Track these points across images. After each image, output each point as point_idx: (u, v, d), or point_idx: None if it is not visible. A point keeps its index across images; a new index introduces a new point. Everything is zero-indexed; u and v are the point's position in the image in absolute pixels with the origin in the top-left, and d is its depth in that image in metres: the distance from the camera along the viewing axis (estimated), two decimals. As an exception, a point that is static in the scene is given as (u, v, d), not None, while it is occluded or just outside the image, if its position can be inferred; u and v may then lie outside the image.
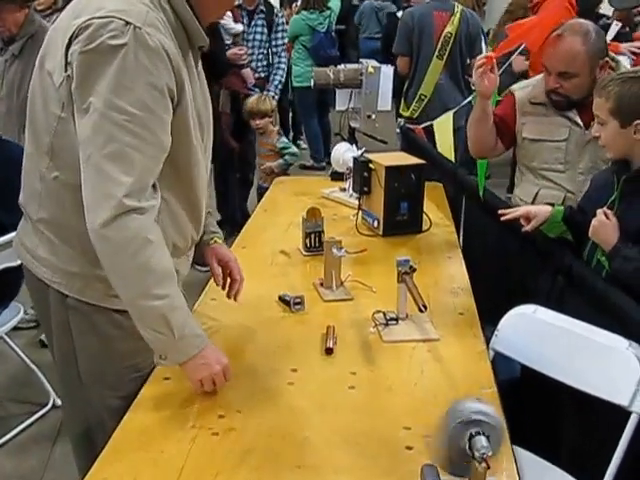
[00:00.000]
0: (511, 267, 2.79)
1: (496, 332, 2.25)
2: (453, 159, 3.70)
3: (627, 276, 2.17)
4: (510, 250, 2.82)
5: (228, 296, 2.10)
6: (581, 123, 2.68)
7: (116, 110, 1.49)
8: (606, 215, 2.21)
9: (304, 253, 2.71)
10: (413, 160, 2.92)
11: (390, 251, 2.76)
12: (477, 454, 1.29)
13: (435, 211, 3.16)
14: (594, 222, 2.22)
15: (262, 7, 5.05)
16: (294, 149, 4.64)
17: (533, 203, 2.82)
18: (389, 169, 2.80)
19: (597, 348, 2.05)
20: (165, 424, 1.62)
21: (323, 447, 1.56)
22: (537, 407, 2.36)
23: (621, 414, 1.95)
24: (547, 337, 2.15)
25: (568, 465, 2.10)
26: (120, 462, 1.49)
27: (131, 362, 1.80)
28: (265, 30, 5.06)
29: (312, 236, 2.70)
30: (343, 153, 3.27)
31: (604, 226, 2.20)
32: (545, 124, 2.76)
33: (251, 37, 5.05)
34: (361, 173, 2.90)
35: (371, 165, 2.87)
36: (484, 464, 1.30)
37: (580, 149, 2.69)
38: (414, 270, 2.12)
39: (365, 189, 2.91)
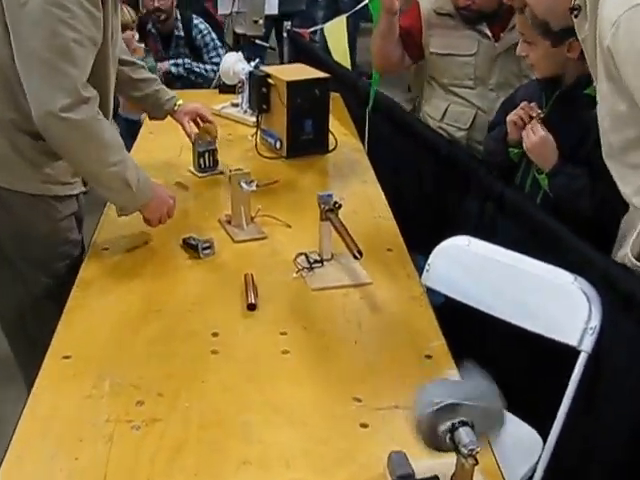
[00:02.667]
0: (429, 191, 2.62)
1: (427, 267, 2.08)
2: (349, 66, 3.47)
3: (570, 195, 2.04)
4: (426, 171, 2.65)
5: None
6: (490, 35, 2.55)
7: (57, 7, 1.65)
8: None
9: (199, 175, 2.48)
10: (316, 73, 2.67)
11: (297, 176, 2.54)
12: (464, 450, 1.11)
13: (338, 127, 2.92)
14: (534, 138, 2.05)
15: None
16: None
17: (442, 120, 2.67)
18: (291, 84, 2.53)
19: (541, 284, 1.91)
20: (74, 420, 1.36)
21: (268, 434, 1.35)
22: (466, 342, 2.24)
23: (561, 350, 1.85)
24: (484, 272, 2.00)
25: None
26: (24, 481, 1.23)
27: (51, 240, 1.99)
28: None
29: (206, 155, 2.47)
30: (234, 64, 2.96)
31: (545, 143, 2.04)
32: (453, 37, 2.63)
33: None
34: (258, 89, 2.62)
35: (270, 80, 2.60)
36: (472, 460, 1.13)
37: (490, 63, 2.57)
38: (339, 207, 1.91)
39: (264, 107, 2.64)
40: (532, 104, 2.09)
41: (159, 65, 4.13)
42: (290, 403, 1.44)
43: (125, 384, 1.46)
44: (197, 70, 4.21)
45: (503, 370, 2.06)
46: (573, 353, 1.84)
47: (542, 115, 2.07)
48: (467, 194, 2.37)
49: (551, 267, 1.91)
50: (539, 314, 1.91)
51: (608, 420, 1.89)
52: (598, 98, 1.69)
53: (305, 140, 2.65)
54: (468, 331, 2.04)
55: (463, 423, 1.13)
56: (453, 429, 1.13)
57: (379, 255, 2.02)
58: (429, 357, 1.61)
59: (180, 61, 4.24)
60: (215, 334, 1.64)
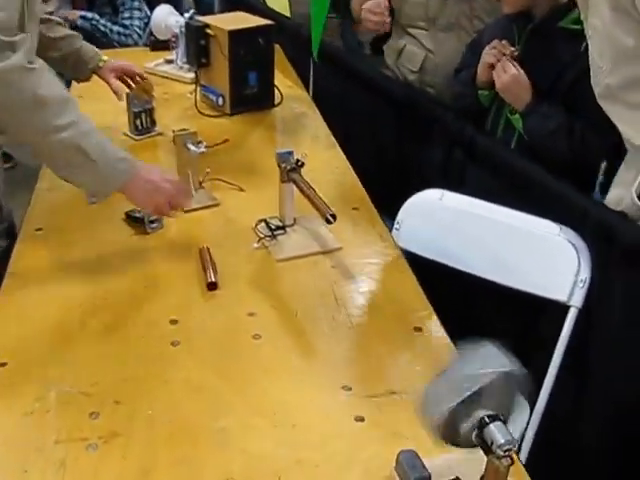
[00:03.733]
0: (387, 142, 2.37)
1: (396, 225, 1.86)
2: (288, 14, 3.18)
3: (544, 136, 1.83)
4: (382, 118, 2.40)
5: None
6: None
7: None
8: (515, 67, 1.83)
9: (136, 138, 2.21)
10: (258, 21, 2.38)
11: (243, 134, 2.28)
12: (499, 451, 0.89)
13: (282, 79, 2.65)
14: (505, 76, 1.82)
15: None
16: None
17: (398, 59, 2.44)
18: (233, 34, 2.25)
19: (524, 237, 1.72)
20: (15, 445, 1.09)
21: (251, 441, 1.11)
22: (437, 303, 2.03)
23: (548, 305, 1.66)
24: (461, 228, 1.79)
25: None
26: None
27: None
28: None
29: (142, 115, 2.21)
30: (166, 17, 2.65)
31: (517, 81, 1.82)
32: None
33: None
34: (196, 41, 2.32)
35: (208, 30, 2.30)
36: (506, 460, 0.91)
37: (441, 3, 2.33)
38: (302, 165, 1.66)
39: (203, 60, 2.35)
40: (503, 42, 1.86)
41: (69, 14, 3.68)
42: (271, 400, 1.20)
43: (74, 392, 1.19)
44: (102, 29, 3.77)
45: (483, 330, 1.87)
46: (562, 307, 1.65)
47: (516, 52, 1.84)
48: (430, 143, 2.13)
49: (534, 218, 1.71)
50: (523, 270, 1.71)
51: (599, 380, 1.71)
52: (590, 34, 1.46)
53: (249, 95, 2.39)
54: (438, 291, 1.83)
55: (493, 418, 0.91)
56: (481, 425, 0.91)
57: (345, 215, 1.77)
58: (419, 329, 1.39)
59: (89, 15, 3.81)
60: (173, 321, 1.39)
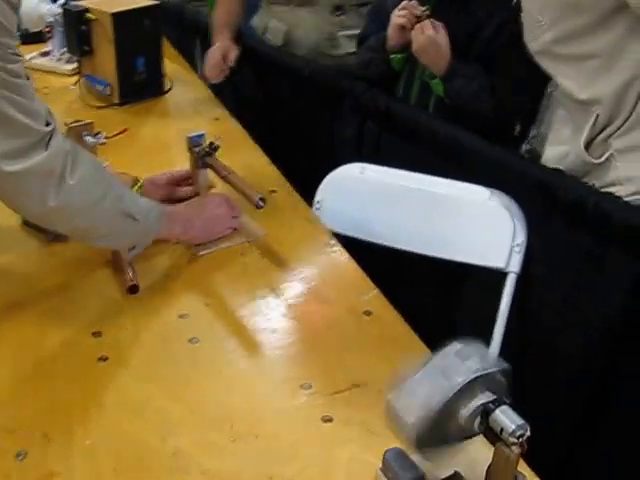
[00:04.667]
0: (289, 118, 2.22)
1: (316, 204, 1.74)
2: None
3: (468, 98, 1.73)
4: (281, 96, 2.26)
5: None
6: None
7: None
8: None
9: None
10: (140, 2, 2.17)
11: (139, 123, 2.10)
12: (511, 438, 0.78)
13: (167, 64, 2.44)
14: (422, 38, 1.71)
15: None
16: None
17: (264, 35, 2.37)
18: (117, 17, 2.05)
19: (454, 205, 1.63)
20: None
21: (211, 460, 0.95)
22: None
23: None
24: (387, 202, 1.69)
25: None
26: None
27: None
28: None
29: None
30: (37, 6, 2.40)
31: (435, 42, 1.71)
32: None
33: None
34: (76, 27, 2.10)
35: (89, 15, 2.09)
36: (517, 448, 0.79)
37: None
38: (216, 148, 1.50)
39: (85, 48, 2.13)
40: (412, 2, 1.75)
41: None
42: (224, 411, 1.04)
43: (-7, 430, 1.00)
44: None
45: (416, 302, 1.77)
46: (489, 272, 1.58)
47: (428, 12, 1.73)
48: (340, 116, 2.00)
49: (462, 184, 1.62)
50: (457, 240, 1.63)
51: (543, 339, 1.64)
52: None
53: (138, 81, 2.19)
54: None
55: (497, 402, 0.80)
56: (486, 412, 0.80)
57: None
58: (369, 313, 1.26)
59: None
60: (97, 334, 1.20)
